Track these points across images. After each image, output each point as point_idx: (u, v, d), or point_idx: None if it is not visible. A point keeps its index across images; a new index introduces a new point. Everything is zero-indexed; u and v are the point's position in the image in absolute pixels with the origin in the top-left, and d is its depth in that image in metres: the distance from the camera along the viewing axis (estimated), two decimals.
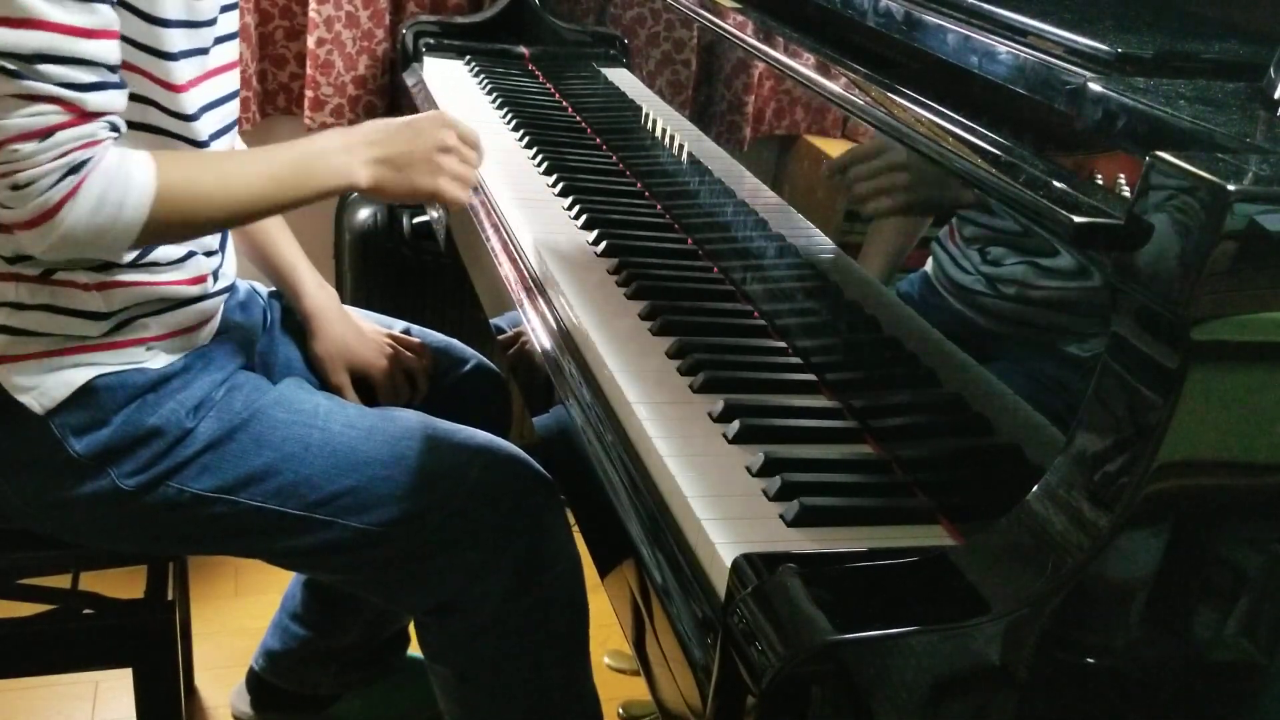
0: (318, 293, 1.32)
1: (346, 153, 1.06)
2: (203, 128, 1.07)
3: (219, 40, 1.08)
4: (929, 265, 0.88)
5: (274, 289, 1.36)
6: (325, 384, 1.30)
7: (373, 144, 1.07)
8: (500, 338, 1.24)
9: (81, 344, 1.06)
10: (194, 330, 1.13)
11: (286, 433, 1.12)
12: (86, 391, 1.05)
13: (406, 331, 1.39)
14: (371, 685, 1.61)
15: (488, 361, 1.42)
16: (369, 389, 1.32)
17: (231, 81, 1.13)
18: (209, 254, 1.14)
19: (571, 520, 1.15)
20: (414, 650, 1.70)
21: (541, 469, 1.18)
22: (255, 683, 1.57)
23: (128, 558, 1.27)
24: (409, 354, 1.34)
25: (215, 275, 1.15)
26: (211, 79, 1.08)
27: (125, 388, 1.07)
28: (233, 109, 1.14)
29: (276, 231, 1.31)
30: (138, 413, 1.07)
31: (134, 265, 1.07)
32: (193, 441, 1.09)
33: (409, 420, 1.18)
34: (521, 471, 1.17)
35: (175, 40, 1.01)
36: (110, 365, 1.07)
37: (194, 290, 1.12)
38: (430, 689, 1.65)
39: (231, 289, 1.22)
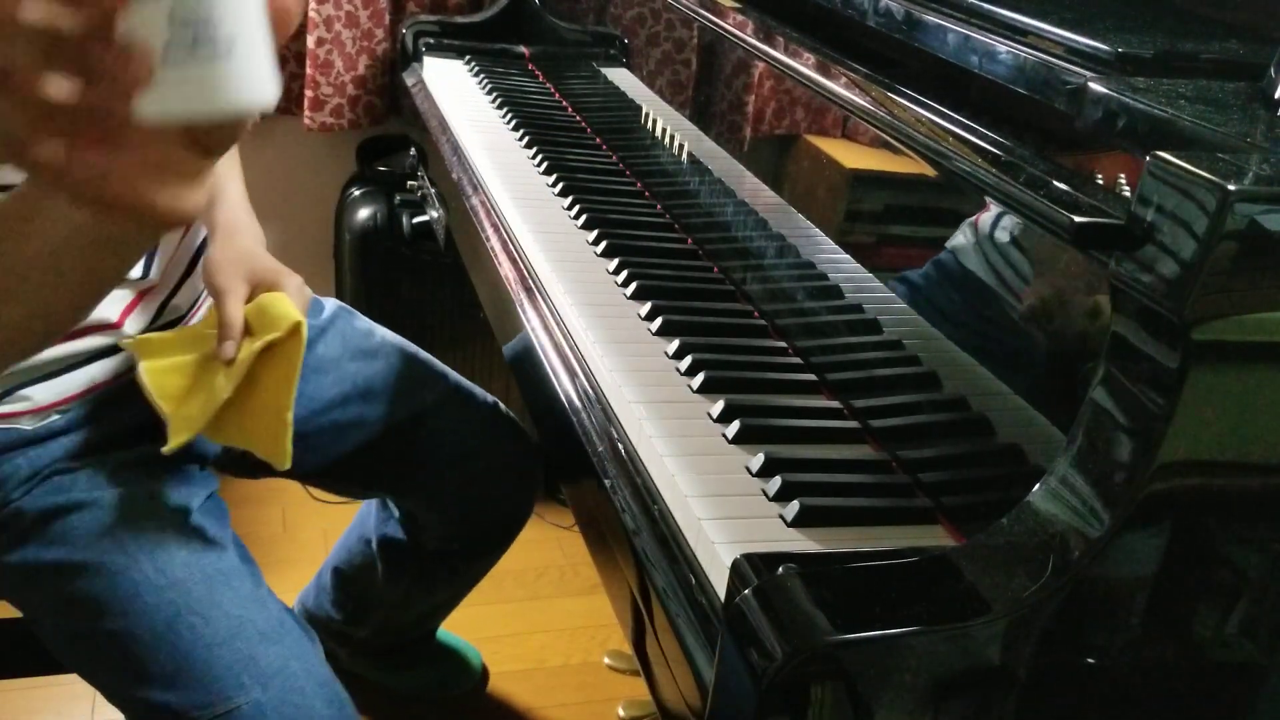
0: (239, 206, 1.15)
1: None
2: None
3: None
4: (931, 264, 0.88)
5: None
6: (212, 288, 1.11)
7: None
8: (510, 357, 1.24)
9: None
10: (91, 391, 1.07)
11: (94, 539, 1.02)
12: None
13: (451, 397, 1.34)
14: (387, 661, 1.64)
15: (529, 436, 1.37)
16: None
17: None
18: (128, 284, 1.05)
19: (571, 520, 1.15)
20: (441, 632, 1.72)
21: (351, 712, 1.05)
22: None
23: None
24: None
25: (154, 310, 1.09)
26: None
27: None
28: None
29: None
30: None
31: None
32: (17, 507, 1.03)
33: (221, 601, 1.03)
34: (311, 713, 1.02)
35: None
36: None
37: (96, 343, 1.06)
38: (447, 673, 1.68)
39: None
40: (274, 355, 1.08)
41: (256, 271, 1.12)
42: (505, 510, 1.42)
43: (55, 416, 1.05)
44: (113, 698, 1.05)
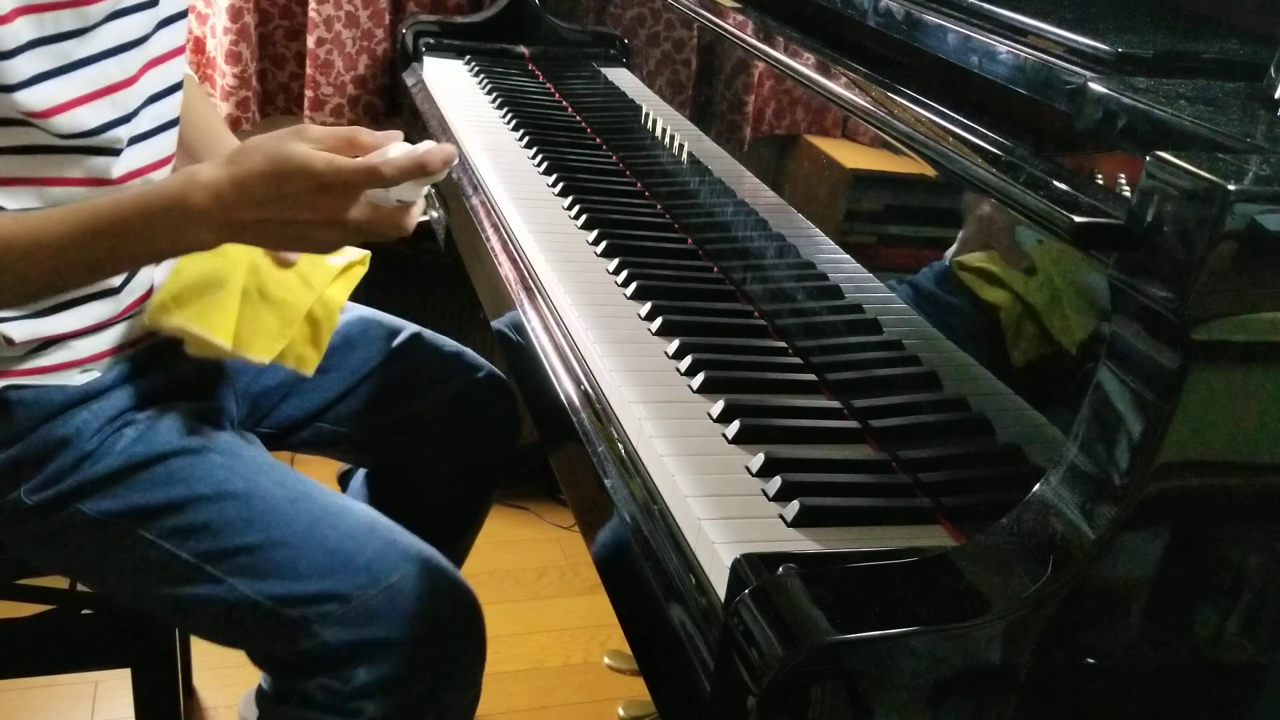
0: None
1: (192, 221, 0.92)
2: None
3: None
4: (931, 264, 0.88)
5: None
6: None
7: (230, 207, 0.91)
8: (501, 340, 1.24)
9: None
10: (136, 344, 1.10)
11: (206, 473, 1.05)
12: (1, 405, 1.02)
13: (418, 335, 1.37)
14: None
15: (498, 372, 1.40)
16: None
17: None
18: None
19: (571, 520, 1.15)
20: None
21: (471, 592, 1.11)
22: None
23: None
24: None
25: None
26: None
27: (43, 404, 1.03)
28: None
29: (206, 109, 1.27)
30: (52, 426, 1.03)
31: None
32: (101, 459, 1.04)
33: (348, 505, 1.11)
34: (449, 596, 1.09)
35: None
36: (30, 379, 1.03)
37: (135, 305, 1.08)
38: None
39: None
40: (341, 272, 1.20)
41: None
42: (491, 426, 1.41)
43: (96, 373, 1.07)
44: (255, 608, 1.04)
